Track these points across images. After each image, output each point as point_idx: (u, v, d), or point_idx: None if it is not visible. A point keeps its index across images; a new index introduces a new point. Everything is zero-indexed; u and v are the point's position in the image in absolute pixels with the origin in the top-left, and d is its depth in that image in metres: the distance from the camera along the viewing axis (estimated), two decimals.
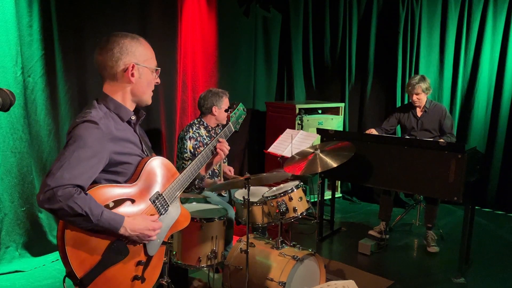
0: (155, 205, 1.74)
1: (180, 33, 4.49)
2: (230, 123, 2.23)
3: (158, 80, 1.82)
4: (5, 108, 1.33)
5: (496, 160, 5.07)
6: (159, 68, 1.81)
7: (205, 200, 3.26)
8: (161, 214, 1.76)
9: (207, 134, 3.44)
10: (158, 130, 4.42)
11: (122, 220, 1.57)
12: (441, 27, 5.20)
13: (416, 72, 5.23)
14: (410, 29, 5.22)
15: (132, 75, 1.70)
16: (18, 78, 3.33)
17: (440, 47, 5.23)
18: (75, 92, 3.78)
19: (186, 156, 3.34)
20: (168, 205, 1.80)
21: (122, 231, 1.57)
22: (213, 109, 3.42)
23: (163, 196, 1.78)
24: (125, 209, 1.62)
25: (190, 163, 1.96)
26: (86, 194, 1.50)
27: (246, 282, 2.74)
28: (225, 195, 3.56)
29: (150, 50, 1.77)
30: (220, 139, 2.14)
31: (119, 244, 1.61)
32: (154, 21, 4.25)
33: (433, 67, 5.27)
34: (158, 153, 4.43)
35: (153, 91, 1.83)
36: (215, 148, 2.11)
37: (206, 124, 3.47)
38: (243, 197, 2.99)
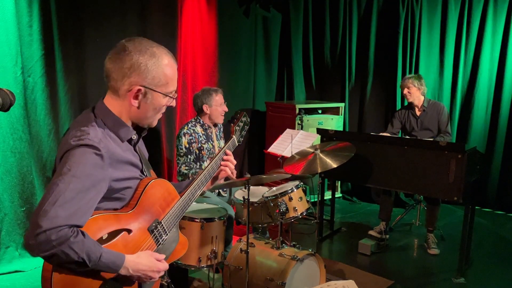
0: (154, 235, 1.55)
1: (180, 33, 4.49)
2: (234, 136, 2.00)
3: (173, 104, 1.57)
4: (5, 108, 1.30)
5: (496, 160, 5.07)
6: (176, 95, 1.57)
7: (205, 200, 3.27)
8: (159, 244, 1.58)
9: (203, 132, 3.45)
10: (158, 130, 4.42)
11: (122, 261, 1.39)
12: (441, 27, 5.20)
13: (416, 72, 5.24)
14: (410, 29, 5.22)
15: (136, 97, 1.47)
16: (18, 78, 3.33)
17: (440, 47, 5.23)
18: (75, 92, 3.78)
19: (180, 152, 3.34)
20: (167, 234, 1.62)
21: (123, 272, 1.40)
22: (204, 107, 3.43)
23: (162, 225, 1.59)
24: (120, 241, 1.43)
25: (192, 184, 1.75)
26: (83, 234, 1.31)
27: (246, 282, 2.74)
28: (225, 195, 3.56)
29: (170, 72, 1.51)
30: (227, 151, 1.89)
31: (112, 284, 1.44)
32: (154, 21, 4.25)
33: (433, 67, 5.27)
34: (158, 153, 4.47)
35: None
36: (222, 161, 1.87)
37: (203, 122, 3.48)
38: (243, 197, 2.99)
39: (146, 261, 1.46)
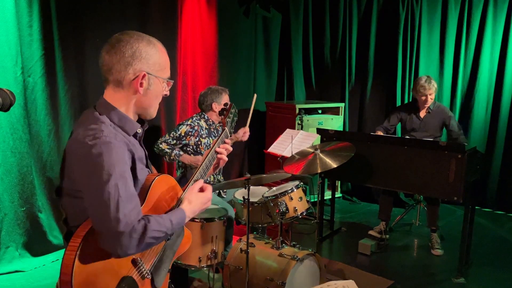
0: None
1: (180, 33, 4.49)
2: (226, 128, 2.04)
3: (168, 92, 1.61)
4: (5, 108, 1.30)
5: (496, 160, 5.06)
6: (172, 80, 1.62)
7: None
8: (168, 240, 1.63)
9: (206, 127, 3.47)
10: (158, 130, 4.42)
11: (184, 214, 1.57)
12: (441, 27, 5.19)
13: (416, 72, 5.23)
14: (410, 29, 5.22)
15: (141, 85, 1.50)
16: (18, 78, 3.33)
17: (440, 47, 5.23)
18: (75, 92, 3.78)
19: (172, 133, 3.42)
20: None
21: (187, 220, 1.59)
22: (213, 105, 3.47)
23: None
24: None
25: (189, 177, 1.79)
26: (149, 217, 1.42)
27: (246, 282, 2.74)
28: (225, 196, 3.56)
29: (165, 58, 1.57)
30: (227, 140, 1.95)
31: (128, 281, 1.48)
32: (154, 21, 4.25)
33: (433, 67, 5.27)
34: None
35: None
36: (216, 152, 1.89)
37: (208, 117, 3.51)
38: (243, 197, 2.99)
39: (197, 202, 1.64)
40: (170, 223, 1.46)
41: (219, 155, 1.89)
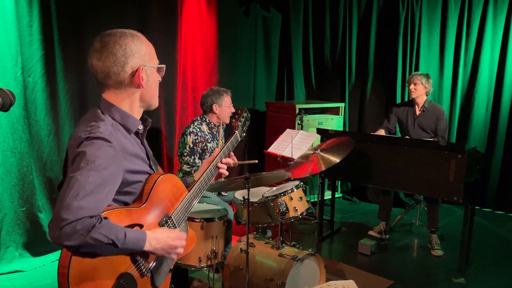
0: None
1: (180, 32, 4.49)
2: (236, 132, 2.00)
3: (160, 79, 1.63)
4: (5, 108, 1.31)
5: (496, 160, 5.06)
6: (164, 66, 1.63)
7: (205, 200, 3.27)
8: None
9: (209, 131, 3.45)
10: (158, 130, 4.42)
11: (144, 236, 1.43)
12: (441, 27, 5.20)
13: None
14: (410, 29, 5.22)
15: (142, 78, 1.51)
16: (18, 78, 3.33)
17: (440, 47, 5.23)
18: (75, 92, 3.79)
19: (184, 152, 3.34)
20: (177, 228, 1.65)
21: (147, 247, 1.44)
22: (214, 107, 3.43)
23: (172, 219, 1.63)
24: None
25: (196, 180, 1.79)
26: (106, 218, 1.35)
27: (246, 282, 2.74)
28: (225, 194, 3.57)
29: (151, 46, 1.58)
30: (230, 155, 1.92)
31: (127, 277, 1.46)
32: (154, 21, 4.25)
33: (433, 67, 5.27)
34: (158, 153, 4.47)
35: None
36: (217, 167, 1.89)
37: (209, 120, 3.49)
38: (243, 197, 2.99)
39: (162, 231, 1.51)
40: (123, 235, 1.35)
41: (220, 170, 1.89)
